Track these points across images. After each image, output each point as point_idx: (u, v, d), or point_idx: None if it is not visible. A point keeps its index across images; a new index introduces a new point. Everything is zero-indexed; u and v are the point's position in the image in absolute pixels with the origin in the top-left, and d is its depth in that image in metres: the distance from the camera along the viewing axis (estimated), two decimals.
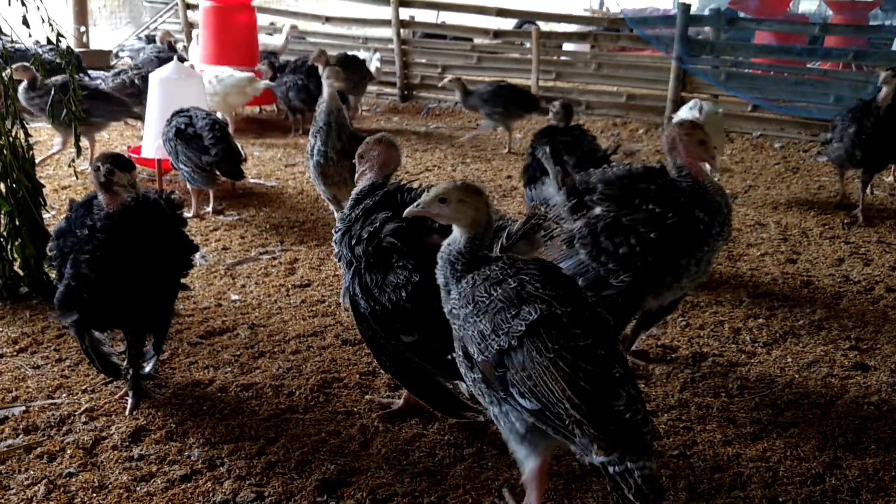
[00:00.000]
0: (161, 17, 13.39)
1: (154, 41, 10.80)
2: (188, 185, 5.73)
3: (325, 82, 5.04)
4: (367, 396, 3.28)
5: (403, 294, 2.75)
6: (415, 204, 2.51)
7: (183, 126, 5.60)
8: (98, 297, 2.97)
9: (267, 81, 8.61)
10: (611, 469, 2.09)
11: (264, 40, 10.95)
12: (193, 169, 5.50)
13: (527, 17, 13.18)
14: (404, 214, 2.56)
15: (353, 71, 8.83)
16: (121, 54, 10.62)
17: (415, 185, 3.05)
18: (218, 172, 5.59)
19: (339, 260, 3.02)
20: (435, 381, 2.97)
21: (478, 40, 11.88)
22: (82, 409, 3.13)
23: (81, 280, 2.94)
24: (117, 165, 2.85)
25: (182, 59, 7.98)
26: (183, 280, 3.32)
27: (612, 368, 2.17)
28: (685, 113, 6.54)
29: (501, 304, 2.23)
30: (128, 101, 7.39)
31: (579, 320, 2.22)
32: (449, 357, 2.88)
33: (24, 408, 3.13)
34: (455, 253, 2.42)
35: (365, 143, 3.13)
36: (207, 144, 5.49)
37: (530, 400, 2.15)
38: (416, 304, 2.75)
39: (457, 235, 2.45)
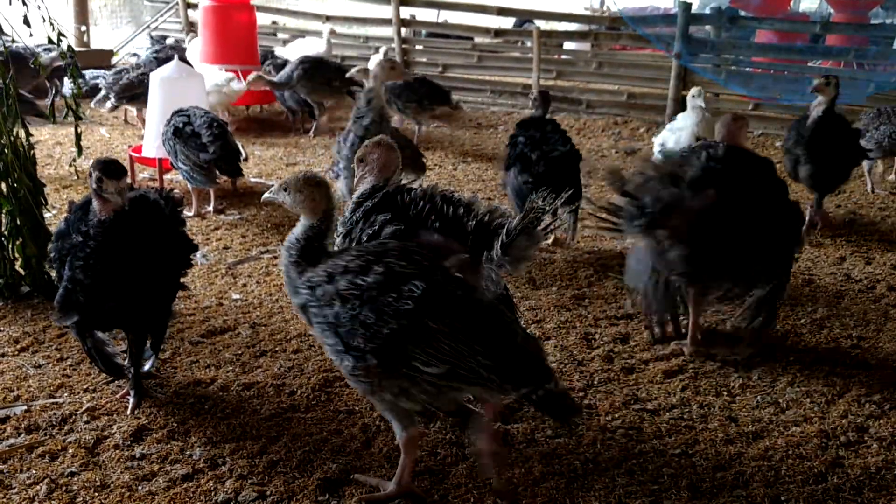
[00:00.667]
0: (162, 16, 13.39)
1: (163, 41, 10.82)
2: (188, 185, 5.73)
3: (372, 73, 5.13)
4: None
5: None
6: (268, 191, 2.70)
7: (181, 125, 5.60)
8: (95, 300, 2.96)
9: (242, 85, 8.42)
10: (533, 396, 2.37)
11: (306, 46, 10.78)
12: (192, 167, 5.50)
13: (527, 16, 13.18)
14: (261, 200, 2.68)
15: (322, 75, 8.49)
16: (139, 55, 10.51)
17: (415, 185, 3.05)
18: (217, 171, 5.58)
19: None
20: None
21: (479, 39, 11.88)
22: (84, 408, 3.13)
23: (78, 284, 2.94)
24: (106, 173, 2.81)
25: (183, 59, 7.98)
26: (183, 279, 3.31)
27: (501, 316, 2.44)
28: (690, 101, 6.36)
29: (376, 290, 2.33)
30: (31, 97, 7.06)
31: (457, 285, 2.43)
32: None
33: (25, 407, 3.13)
34: (292, 240, 2.58)
35: (364, 147, 3.16)
36: (205, 142, 5.49)
37: (437, 366, 2.31)
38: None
39: (299, 224, 2.60)
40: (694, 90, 6.44)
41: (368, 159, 3.12)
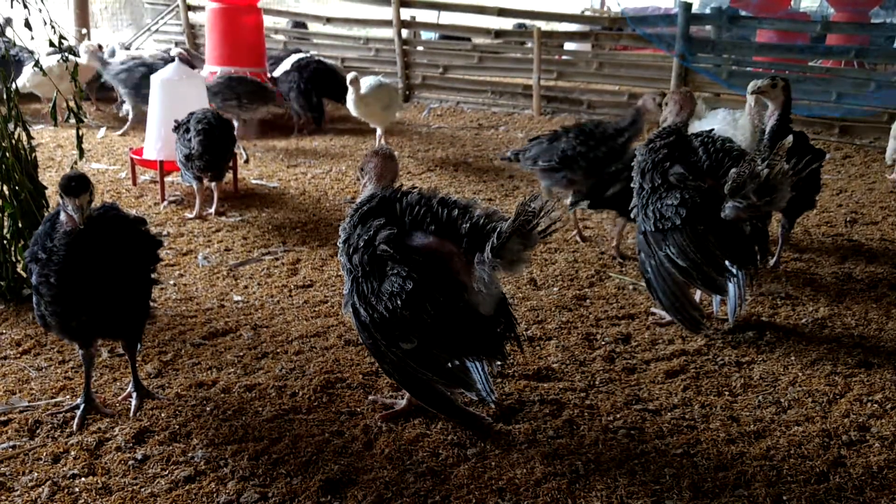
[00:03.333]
0: (162, 18, 13.40)
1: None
2: (194, 186, 5.74)
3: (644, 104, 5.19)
4: (370, 397, 3.28)
5: (399, 302, 2.74)
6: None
7: (185, 120, 5.66)
8: (64, 313, 2.94)
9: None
10: None
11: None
12: (181, 163, 5.57)
13: (525, 18, 13.15)
14: None
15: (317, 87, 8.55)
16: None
17: (415, 189, 3.05)
18: (197, 168, 5.54)
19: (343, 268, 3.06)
20: (436, 388, 2.99)
21: (479, 40, 11.89)
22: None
23: (42, 297, 2.91)
24: (65, 190, 2.76)
25: (184, 61, 7.99)
26: (154, 275, 3.23)
27: None
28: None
29: None
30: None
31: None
32: (449, 364, 2.89)
33: (28, 410, 3.14)
34: None
35: (364, 156, 3.21)
36: (190, 137, 5.52)
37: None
38: (412, 312, 2.74)
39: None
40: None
41: (367, 168, 3.17)
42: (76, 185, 2.78)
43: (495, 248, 2.63)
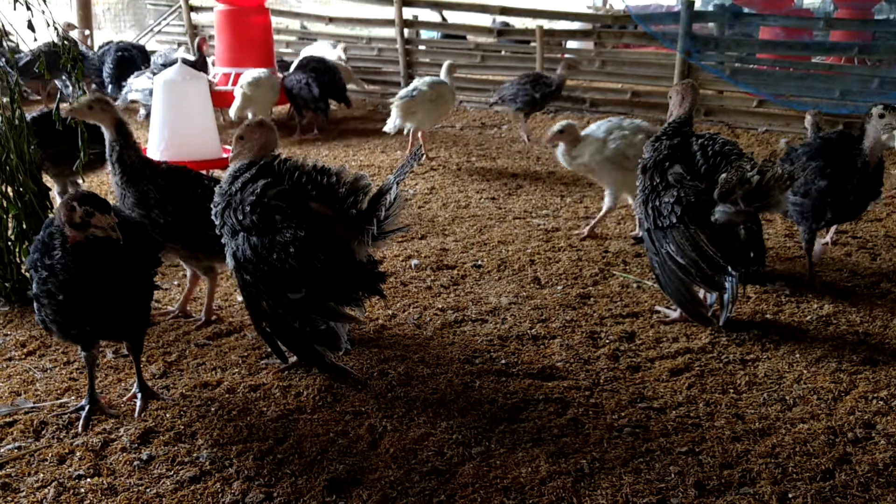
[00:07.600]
0: (165, 19, 13.43)
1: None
2: None
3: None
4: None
5: (291, 250, 3.06)
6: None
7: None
8: (66, 327, 2.95)
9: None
10: None
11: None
12: None
13: (528, 16, 13.13)
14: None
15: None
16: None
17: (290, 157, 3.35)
18: None
19: (220, 232, 3.31)
20: (308, 343, 3.34)
21: (481, 39, 11.89)
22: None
23: (43, 307, 2.92)
24: (98, 208, 2.69)
25: (186, 62, 8.00)
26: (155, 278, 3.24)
27: None
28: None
29: None
30: None
31: None
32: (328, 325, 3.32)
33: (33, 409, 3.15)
34: None
35: (246, 127, 3.36)
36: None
37: None
38: (302, 261, 3.07)
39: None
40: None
41: (249, 138, 3.33)
42: (103, 201, 2.74)
43: (387, 210, 3.05)
